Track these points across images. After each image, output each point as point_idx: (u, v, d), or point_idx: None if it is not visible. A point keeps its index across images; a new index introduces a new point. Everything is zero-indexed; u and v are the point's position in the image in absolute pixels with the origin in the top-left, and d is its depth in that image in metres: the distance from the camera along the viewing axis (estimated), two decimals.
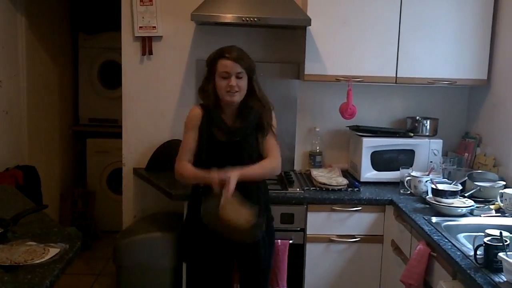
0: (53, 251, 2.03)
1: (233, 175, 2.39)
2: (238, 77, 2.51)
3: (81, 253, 2.21)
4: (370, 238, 3.13)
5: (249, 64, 2.54)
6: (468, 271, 2.03)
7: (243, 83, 2.54)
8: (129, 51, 3.57)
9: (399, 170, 3.24)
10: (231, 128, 2.60)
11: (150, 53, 3.55)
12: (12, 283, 1.78)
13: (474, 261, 2.09)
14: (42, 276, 1.84)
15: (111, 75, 5.11)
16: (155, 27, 3.51)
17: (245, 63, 2.52)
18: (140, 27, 3.50)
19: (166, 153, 3.53)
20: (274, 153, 2.64)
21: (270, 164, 2.61)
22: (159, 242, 3.27)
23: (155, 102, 3.62)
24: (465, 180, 3.08)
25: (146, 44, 3.54)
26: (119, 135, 3.74)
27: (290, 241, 3.04)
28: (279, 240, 2.97)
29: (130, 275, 3.29)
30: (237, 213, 2.35)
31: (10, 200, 2.81)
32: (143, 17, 3.48)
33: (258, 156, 2.61)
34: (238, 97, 2.54)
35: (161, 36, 3.55)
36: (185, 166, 2.57)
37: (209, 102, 2.59)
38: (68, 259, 2.01)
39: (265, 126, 2.61)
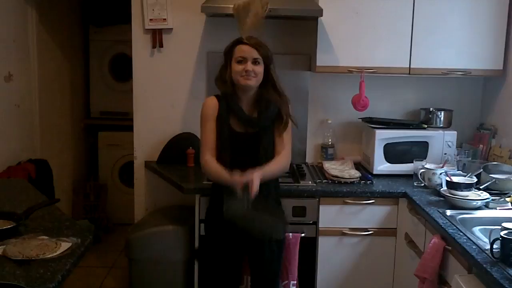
0: (65, 245, 2.02)
1: (256, 177, 2.36)
2: (254, 63, 2.50)
3: (93, 246, 2.20)
4: (383, 232, 3.10)
5: (266, 52, 2.53)
6: (484, 265, 2.00)
7: (260, 69, 2.52)
8: (140, 44, 3.55)
9: (412, 162, 3.20)
10: (249, 118, 2.58)
11: (161, 45, 3.53)
12: (25, 277, 1.78)
13: (490, 255, 2.06)
14: (54, 270, 1.84)
15: (122, 68, 5.11)
16: (165, 19, 3.49)
17: (263, 50, 2.51)
18: (151, 19, 3.48)
19: (177, 146, 3.52)
20: (287, 150, 2.63)
21: (284, 162, 2.61)
22: (171, 236, 3.26)
23: (166, 95, 3.60)
24: (480, 172, 3.03)
25: (157, 37, 3.52)
26: (130, 128, 3.73)
27: (302, 235, 3.01)
28: (290, 234, 2.94)
29: (142, 268, 3.29)
30: (261, 212, 2.37)
31: (22, 194, 2.82)
32: (153, 10, 3.46)
33: (273, 149, 2.60)
34: (254, 82, 2.52)
35: (172, 29, 3.52)
36: (209, 163, 2.53)
37: (225, 89, 2.58)
38: (80, 253, 2.01)
39: (284, 119, 2.60)
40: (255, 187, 2.34)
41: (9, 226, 2.17)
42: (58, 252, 1.97)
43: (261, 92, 2.59)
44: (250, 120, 2.58)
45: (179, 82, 3.60)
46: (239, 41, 2.54)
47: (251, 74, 2.49)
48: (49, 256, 1.93)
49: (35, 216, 2.34)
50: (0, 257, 1.93)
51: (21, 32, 3.88)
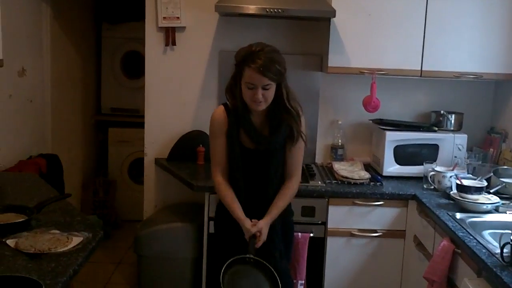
0: (76, 240, 2.04)
1: (265, 227, 2.43)
2: (264, 88, 2.35)
3: (102, 242, 2.21)
4: (392, 233, 3.10)
5: (278, 72, 2.35)
6: (494, 269, 1.99)
7: (270, 93, 2.38)
8: (153, 42, 3.57)
9: (422, 164, 3.20)
10: (260, 135, 2.50)
11: (174, 43, 3.55)
12: (36, 271, 1.80)
13: (500, 259, 2.06)
14: (65, 264, 1.86)
15: (134, 65, 5.13)
16: (178, 17, 3.50)
17: (273, 73, 2.32)
18: (164, 17, 3.49)
19: (187, 144, 3.54)
20: (297, 173, 2.59)
21: (292, 191, 2.57)
22: (180, 233, 3.28)
23: (178, 93, 3.62)
24: (490, 176, 3.03)
25: (170, 35, 3.54)
26: (141, 125, 3.75)
27: (311, 235, 3.02)
28: (299, 233, 2.95)
29: (151, 265, 3.31)
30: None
31: (33, 188, 2.84)
32: (167, 8, 3.48)
33: (283, 166, 2.57)
34: (263, 106, 2.41)
35: (185, 27, 3.54)
36: (223, 190, 2.52)
37: (235, 103, 2.48)
38: (91, 248, 2.03)
39: (295, 135, 2.51)
40: (263, 237, 2.42)
41: (21, 220, 2.19)
42: (69, 247, 1.99)
43: (272, 108, 2.47)
44: (261, 139, 2.50)
45: (191, 80, 3.61)
46: (248, 63, 2.33)
47: (260, 101, 2.38)
48: (60, 250, 1.95)
49: (46, 210, 2.36)
50: (13, 250, 1.95)
51: (35, 28, 3.91)
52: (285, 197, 2.55)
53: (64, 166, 4.07)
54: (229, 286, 2.37)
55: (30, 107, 3.86)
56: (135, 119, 4.86)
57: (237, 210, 2.48)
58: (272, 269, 2.40)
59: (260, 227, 2.43)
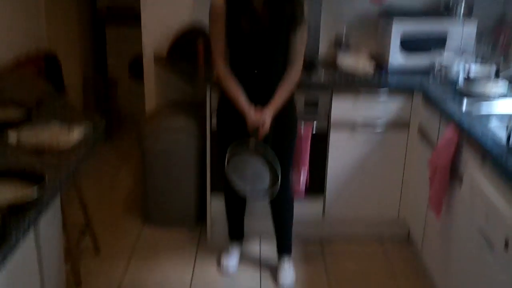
0: (78, 131, 2.02)
1: (268, 118, 2.47)
2: None
3: (106, 139, 2.21)
4: (397, 125, 3.08)
5: None
6: (499, 156, 1.98)
7: None
8: None
9: (430, 54, 3.10)
10: (260, 21, 2.44)
11: None
12: (39, 166, 1.78)
13: (506, 146, 2.04)
14: (69, 157, 1.85)
15: None
16: None
17: None
18: None
19: (187, 39, 3.43)
20: (299, 60, 2.57)
21: (294, 78, 2.57)
22: (182, 128, 3.27)
23: None
24: (499, 64, 2.95)
25: None
26: (138, 23, 3.62)
27: (314, 128, 3.00)
28: (302, 126, 2.94)
29: (156, 160, 3.32)
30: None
31: (33, 87, 2.79)
32: None
33: (286, 51, 2.53)
34: None
35: None
36: (226, 80, 2.52)
37: None
38: (94, 139, 2.02)
39: (297, 19, 2.46)
40: (266, 127, 2.46)
41: (22, 115, 2.16)
42: (72, 139, 1.97)
43: None
44: (262, 24, 2.45)
45: None
46: None
47: None
48: (63, 144, 1.94)
49: (46, 107, 2.33)
50: (14, 145, 1.94)
51: None
52: (287, 85, 2.55)
53: (63, 66, 3.99)
54: (233, 172, 2.42)
55: (22, 2, 3.71)
56: (132, 16, 4.70)
57: (241, 99, 2.48)
58: (273, 156, 2.45)
59: (264, 118, 2.44)
